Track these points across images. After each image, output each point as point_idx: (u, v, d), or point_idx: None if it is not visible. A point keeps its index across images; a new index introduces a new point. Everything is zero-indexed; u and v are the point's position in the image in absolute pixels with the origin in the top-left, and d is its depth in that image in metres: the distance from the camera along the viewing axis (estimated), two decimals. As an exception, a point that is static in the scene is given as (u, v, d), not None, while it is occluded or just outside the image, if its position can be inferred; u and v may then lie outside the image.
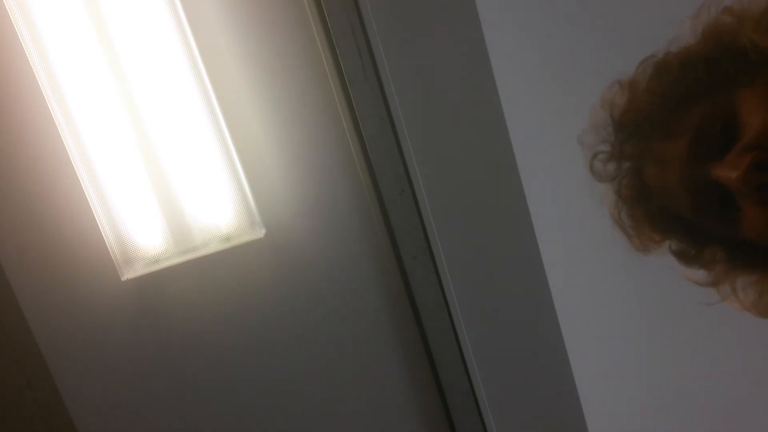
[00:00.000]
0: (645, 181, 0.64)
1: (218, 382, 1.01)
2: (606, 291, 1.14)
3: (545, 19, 0.99)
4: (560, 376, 1.06)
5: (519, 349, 1.05)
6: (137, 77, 0.87)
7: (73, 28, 0.85)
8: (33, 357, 0.96)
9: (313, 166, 0.97)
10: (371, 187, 0.97)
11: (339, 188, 0.98)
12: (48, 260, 0.95)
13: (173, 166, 0.90)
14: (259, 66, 0.94)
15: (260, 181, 0.96)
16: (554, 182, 0.97)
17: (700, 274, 0.67)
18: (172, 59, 0.87)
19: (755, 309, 0.63)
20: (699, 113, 0.57)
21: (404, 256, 0.99)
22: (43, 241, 0.94)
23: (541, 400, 1.07)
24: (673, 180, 0.60)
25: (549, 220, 1.02)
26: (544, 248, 1.02)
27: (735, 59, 0.57)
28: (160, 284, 0.97)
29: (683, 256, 0.67)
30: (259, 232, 0.93)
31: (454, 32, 0.95)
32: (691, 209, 0.61)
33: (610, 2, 0.96)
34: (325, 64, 0.94)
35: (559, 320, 1.05)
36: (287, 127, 0.96)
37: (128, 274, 0.91)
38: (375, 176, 0.96)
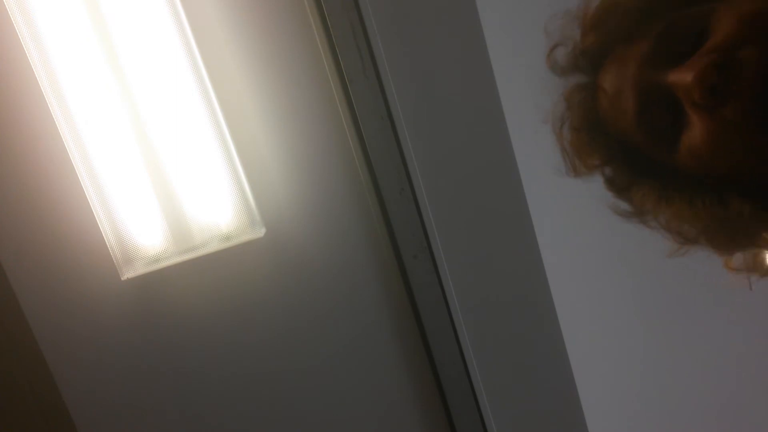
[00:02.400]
0: (596, 92, 0.61)
1: (218, 381, 1.01)
2: (605, 289, 1.14)
3: (545, 18, 0.99)
4: (560, 375, 1.06)
5: (519, 348, 1.05)
6: (137, 77, 0.87)
7: (73, 27, 0.85)
8: (33, 356, 0.96)
9: (313, 165, 0.97)
10: (371, 186, 0.97)
11: (339, 187, 0.98)
12: (48, 259, 0.95)
13: (173, 165, 0.90)
14: (259, 65, 0.94)
15: (260, 180, 0.96)
16: (554, 181, 0.97)
17: (622, 204, 0.64)
18: (172, 59, 0.87)
19: (676, 239, 0.61)
20: (668, 19, 0.54)
21: (404, 255, 0.99)
22: (43, 240, 0.94)
23: (541, 399, 1.07)
24: (625, 85, 0.57)
25: (549, 218, 1.03)
26: (544, 247, 1.02)
27: None
28: (160, 283, 0.97)
29: (612, 185, 0.64)
30: (259, 232, 0.93)
31: (454, 31, 0.95)
32: (634, 118, 0.57)
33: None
34: (325, 63, 0.94)
35: (559, 319, 1.05)
36: (287, 127, 0.96)
37: (128, 274, 0.91)
38: (375, 175, 0.96)
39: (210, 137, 0.89)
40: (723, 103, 0.50)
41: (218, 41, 0.93)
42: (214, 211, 0.91)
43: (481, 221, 1.01)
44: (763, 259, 0.60)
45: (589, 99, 0.62)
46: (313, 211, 0.98)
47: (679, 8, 0.55)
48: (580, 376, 1.07)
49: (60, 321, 0.97)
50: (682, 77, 0.51)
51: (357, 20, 0.92)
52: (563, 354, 1.06)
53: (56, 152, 0.92)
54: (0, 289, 0.95)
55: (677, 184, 0.58)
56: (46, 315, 0.96)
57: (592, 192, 0.71)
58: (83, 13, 0.85)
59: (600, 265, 1.12)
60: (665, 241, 0.64)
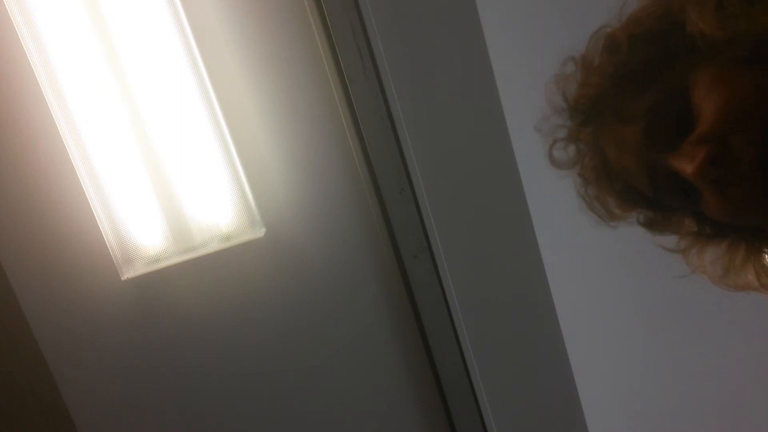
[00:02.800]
0: (606, 161, 0.61)
1: (218, 381, 1.01)
2: (605, 289, 1.14)
3: (545, 18, 0.99)
4: (560, 375, 1.06)
5: (519, 348, 1.05)
6: (138, 77, 0.87)
7: (74, 28, 0.85)
8: (33, 356, 0.96)
9: (313, 165, 0.97)
10: (371, 186, 0.97)
11: (339, 187, 0.98)
12: (48, 259, 0.95)
13: (173, 165, 0.90)
14: (259, 65, 0.94)
15: (260, 180, 0.96)
16: (554, 181, 0.97)
17: (670, 240, 0.65)
18: (172, 59, 0.87)
19: (722, 283, 0.62)
20: (652, 97, 0.54)
21: (404, 255, 0.99)
22: (43, 240, 0.94)
23: (542, 399, 1.07)
24: (631, 164, 0.58)
25: (549, 218, 1.02)
26: (544, 247, 1.02)
27: (685, 38, 0.53)
28: (160, 283, 0.97)
29: (652, 225, 0.65)
30: (259, 232, 0.93)
31: (453, 31, 0.95)
32: (652, 191, 0.59)
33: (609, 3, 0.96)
34: (325, 63, 0.94)
35: (559, 319, 1.05)
36: (287, 127, 0.96)
37: (128, 274, 0.91)
38: (375, 175, 0.96)
39: (210, 137, 0.89)
40: (727, 185, 0.51)
41: (218, 41, 0.93)
42: (214, 211, 0.91)
43: (481, 221, 1.01)
44: None
45: (602, 169, 0.63)
46: (313, 211, 0.98)
47: (653, 84, 0.55)
48: (580, 376, 1.07)
49: (60, 321, 0.96)
50: (683, 168, 0.52)
51: (357, 20, 0.92)
52: (563, 354, 1.06)
53: (56, 152, 0.92)
54: (0, 289, 0.95)
55: (715, 228, 0.60)
56: (46, 315, 0.96)
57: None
58: (83, 13, 0.85)
59: (600, 265, 1.12)
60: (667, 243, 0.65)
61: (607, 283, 1.15)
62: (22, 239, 0.95)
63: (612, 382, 1.15)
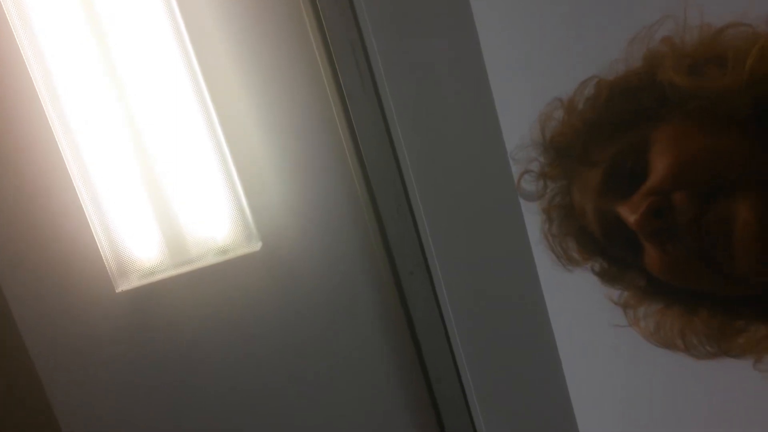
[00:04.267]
0: (571, 201, 0.64)
1: (213, 395, 1.00)
2: (603, 302, 1.14)
3: (545, 36, 1.00)
4: (556, 393, 1.06)
5: (515, 365, 1.05)
6: (136, 89, 0.87)
7: (72, 38, 0.85)
8: (25, 369, 0.96)
9: (310, 180, 0.97)
10: (369, 202, 0.97)
11: (336, 203, 0.98)
12: (43, 271, 0.94)
13: (170, 178, 0.89)
14: (258, 80, 0.95)
15: (257, 194, 0.96)
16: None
17: (615, 294, 0.68)
18: (170, 71, 0.87)
19: (652, 338, 0.64)
20: (616, 147, 0.58)
21: (401, 271, 0.99)
22: (38, 251, 0.94)
23: (537, 415, 1.07)
24: (589, 207, 0.61)
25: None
26: (541, 264, 1.02)
27: (656, 94, 0.57)
28: (156, 296, 0.96)
29: (605, 276, 0.68)
30: (256, 246, 0.93)
31: (452, 49, 0.96)
32: (603, 237, 0.61)
33: (607, 5, 0.97)
34: (325, 79, 0.95)
35: (555, 334, 1.05)
36: (285, 141, 0.96)
37: (123, 286, 0.90)
38: (372, 191, 0.96)
39: (208, 150, 0.89)
40: (666, 240, 0.54)
41: (218, 55, 0.93)
42: (210, 225, 0.91)
43: (478, 237, 1.01)
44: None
45: (566, 209, 0.66)
46: (310, 226, 0.98)
47: (620, 135, 0.58)
48: (574, 391, 1.07)
49: (53, 333, 0.96)
50: (627, 217, 0.55)
51: (356, 37, 0.93)
52: (558, 367, 1.05)
53: (53, 163, 0.91)
54: (-7, 299, 0.94)
55: (658, 286, 0.62)
56: (39, 326, 0.96)
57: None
58: (82, 25, 0.85)
59: (596, 280, 1.13)
60: None
61: (604, 296, 1.15)
62: (17, 250, 0.94)
63: (608, 397, 1.15)
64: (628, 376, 1.16)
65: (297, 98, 0.95)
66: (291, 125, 0.96)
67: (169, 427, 1.00)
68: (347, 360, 1.02)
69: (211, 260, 0.92)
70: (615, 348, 1.12)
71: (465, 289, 1.01)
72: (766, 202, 0.48)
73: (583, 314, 1.13)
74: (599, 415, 1.12)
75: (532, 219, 0.99)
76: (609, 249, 0.63)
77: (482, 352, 1.03)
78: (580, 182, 0.62)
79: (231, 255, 0.92)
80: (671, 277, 0.57)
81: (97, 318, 0.96)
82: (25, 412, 0.96)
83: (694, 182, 0.51)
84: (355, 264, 1.00)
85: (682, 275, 0.56)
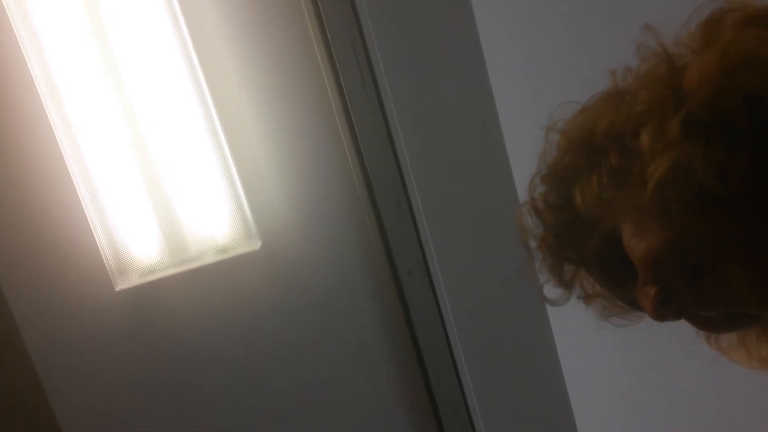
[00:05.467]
0: (599, 292, 0.63)
1: (212, 394, 1.00)
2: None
3: (545, 36, 1.00)
4: (554, 393, 1.06)
5: (514, 366, 1.05)
6: (136, 86, 0.87)
7: (73, 37, 0.85)
8: (24, 367, 0.95)
9: (310, 179, 0.97)
10: (368, 201, 0.97)
11: (336, 202, 0.98)
12: (42, 269, 0.94)
13: (170, 176, 0.90)
14: (258, 78, 0.94)
15: (257, 193, 0.95)
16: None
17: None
18: (171, 70, 0.87)
19: (747, 363, 0.63)
20: (594, 243, 0.56)
21: (400, 270, 0.99)
22: (37, 249, 0.94)
23: (535, 416, 1.07)
24: (613, 296, 0.61)
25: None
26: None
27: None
28: (155, 295, 0.96)
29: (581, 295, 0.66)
30: (255, 244, 0.93)
31: (453, 48, 0.96)
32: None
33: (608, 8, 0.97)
34: (325, 78, 0.95)
35: (554, 333, 1.05)
36: (286, 140, 0.96)
37: (122, 285, 0.90)
38: (372, 190, 0.96)
39: (208, 149, 0.89)
40: (687, 317, 0.54)
41: (218, 54, 0.93)
42: (210, 223, 0.91)
43: (478, 237, 1.01)
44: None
45: (599, 299, 0.64)
46: (310, 225, 0.98)
47: (592, 229, 0.56)
48: (573, 391, 1.07)
49: (52, 331, 0.96)
50: (645, 306, 0.54)
51: (357, 36, 0.93)
52: (558, 369, 1.05)
53: (53, 161, 0.91)
54: (-8, 297, 0.94)
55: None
56: (39, 324, 0.95)
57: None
58: (84, 25, 0.85)
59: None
60: None
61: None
62: (17, 248, 0.94)
63: (611, 406, 1.15)
64: (626, 376, 1.16)
65: (297, 97, 0.95)
66: (291, 124, 0.96)
67: (169, 425, 1.00)
68: (346, 359, 1.02)
69: (210, 259, 0.92)
70: (613, 349, 1.12)
71: (464, 289, 1.01)
72: (748, 264, 0.48)
73: (582, 314, 1.12)
74: (598, 416, 1.12)
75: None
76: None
77: (481, 352, 1.03)
78: (589, 279, 0.61)
79: (230, 254, 0.92)
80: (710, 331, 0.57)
81: (96, 316, 0.96)
82: (24, 410, 0.96)
83: (673, 270, 0.51)
84: (355, 263, 1.00)
85: (717, 331, 0.56)
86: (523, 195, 0.99)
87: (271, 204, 0.97)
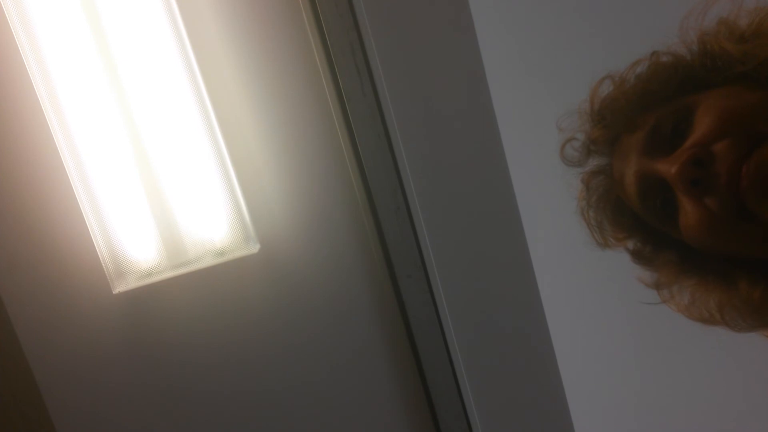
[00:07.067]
0: (611, 174, 0.66)
1: (209, 397, 1.00)
2: (598, 305, 1.14)
3: (544, 37, 1.00)
4: (553, 396, 1.06)
5: (512, 371, 1.05)
6: (135, 90, 0.87)
7: (71, 40, 0.85)
8: (21, 370, 0.95)
9: (309, 182, 0.97)
10: (367, 204, 0.97)
11: (335, 205, 0.98)
12: (39, 272, 0.94)
13: (168, 179, 0.89)
14: (257, 82, 0.95)
15: (255, 196, 0.95)
16: (550, 201, 0.97)
17: (647, 275, 0.68)
18: (169, 73, 0.87)
19: (687, 312, 0.65)
20: (662, 110, 0.60)
21: (399, 274, 0.98)
22: (34, 252, 0.94)
23: (533, 418, 1.07)
24: (627, 171, 0.62)
25: (544, 240, 1.03)
26: (539, 269, 1.02)
27: (706, 64, 0.60)
28: (152, 298, 0.96)
29: (638, 256, 0.69)
30: (254, 248, 0.92)
31: (451, 51, 0.96)
32: (638, 204, 0.62)
33: (608, 11, 0.98)
34: (324, 81, 0.95)
35: (552, 339, 1.05)
36: (284, 143, 0.96)
37: (120, 287, 0.90)
38: (371, 193, 0.96)
39: (207, 152, 0.89)
40: (705, 193, 0.55)
41: (217, 57, 0.93)
42: (208, 226, 0.91)
43: (475, 241, 1.01)
44: None
45: (605, 181, 0.68)
46: (308, 228, 0.98)
47: (669, 102, 0.61)
48: (571, 394, 1.07)
49: (49, 334, 0.95)
50: (667, 169, 0.56)
51: (356, 39, 0.93)
52: (556, 374, 1.05)
53: (51, 164, 0.91)
54: (-11, 300, 0.94)
55: (693, 259, 0.63)
56: (36, 327, 0.95)
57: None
58: (82, 27, 0.85)
59: (593, 281, 1.13)
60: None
61: (600, 297, 1.15)
62: (14, 250, 0.94)
63: (608, 406, 1.15)
64: (624, 378, 1.16)
65: (296, 100, 0.95)
66: (290, 127, 0.96)
67: (165, 428, 1.00)
68: (344, 362, 1.02)
69: (208, 262, 0.91)
70: (612, 351, 1.12)
71: (462, 293, 1.01)
72: None
73: (581, 316, 1.13)
74: (596, 418, 1.12)
75: (532, 220, 0.99)
76: (644, 218, 0.64)
77: (479, 355, 1.03)
78: (622, 148, 0.63)
79: (229, 257, 0.92)
80: (707, 237, 0.57)
81: (93, 319, 0.96)
82: (20, 413, 0.95)
83: (736, 132, 0.53)
84: (353, 267, 1.00)
85: (718, 234, 0.56)
86: (522, 197, 0.99)
87: (270, 207, 0.97)
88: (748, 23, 0.59)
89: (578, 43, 0.99)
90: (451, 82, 0.96)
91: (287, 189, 0.97)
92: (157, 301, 0.97)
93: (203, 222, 0.91)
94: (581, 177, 0.70)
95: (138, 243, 0.90)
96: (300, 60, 0.94)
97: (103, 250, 0.89)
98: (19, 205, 0.93)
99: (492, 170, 0.99)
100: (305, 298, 0.99)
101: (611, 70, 0.68)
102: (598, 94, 0.67)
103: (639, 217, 0.65)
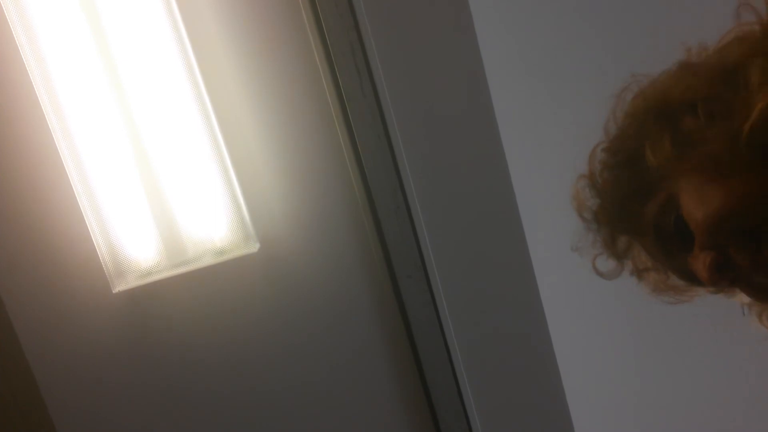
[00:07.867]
0: (651, 264, 0.64)
1: (209, 397, 1.00)
2: (598, 305, 1.14)
3: (544, 37, 1.00)
4: (553, 396, 1.06)
5: (512, 370, 1.05)
6: (135, 89, 0.87)
7: (71, 39, 0.85)
8: (21, 370, 0.95)
9: (309, 181, 0.97)
10: (367, 204, 0.97)
11: (335, 205, 0.98)
12: (39, 271, 0.94)
13: (168, 178, 0.90)
14: (257, 82, 0.95)
15: (255, 195, 0.95)
16: (550, 202, 0.97)
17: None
18: (169, 72, 0.87)
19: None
20: (651, 210, 0.58)
21: (398, 274, 0.98)
22: (34, 251, 0.94)
23: (533, 419, 1.06)
24: (666, 266, 0.61)
25: (544, 240, 1.03)
26: (539, 269, 1.02)
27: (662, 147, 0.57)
28: (152, 297, 0.96)
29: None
30: (253, 247, 0.92)
31: (452, 52, 0.96)
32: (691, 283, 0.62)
33: (611, 15, 0.98)
34: (324, 81, 0.95)
35: (552, 339, 1.05)
36: (284, 143, 0.96)
37: (120, 287, 0.90)
38: (371, 193, 0.96)
39: (206, 151, 0.89)
40: (743, 284, 0.54)
41: (217, 57, 0.93)
42: (208, 225, 0.91)
43: (476, 241, 1.01)
44: None
45: (651, 271, 0.65)
46: (308, 228, 0.98)
47: (646, 192, 0.58)
48: (571, 395, 1.07)
49: (49, 333, 0.95)
50: (700, 273, 0.55)
51: (356, 39, 0.93)
52: (557, 376, 1.05)
53: (51, 163, 0.91)
54: (-11, 299, 0.94)
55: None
56: (36, 327, 0.95)
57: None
58: (81, 27, 0.85)
59: (593, 283, 1.13)
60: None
61: (599, 299, 1.15)
62: (14, 250, 0.94)
63: (609, 411, 1.15)
64: (624, 378, 1.16)
65: (296, 100, 0.95)
66: (290, 127, 0.96)
67: (165, 428, 1.00)
68: (344, 362, 1.02)
69: (208, 261, 0.91)
70: (612, 351, 1.12)
71: (463, 293, 1.01)
72: None
73: (581, 317, 1.13)
74: (596, 418, 1.12)
75: (531, 220, 0.99)
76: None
77: (479, 355, 1.03)
78: (643, 252, 0.62)
79: (228, 256, 0.92)
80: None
81: (93, 318, 0.96)
82: (20, 413, 0.95)
83: (736, 232, 0.51)
84: (353, 266, 1.00)
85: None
86: (521, 197, 0.99)
87: (270, 206, 0.97)
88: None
89: (578, 43, 0.99)
90: (451, 82, 0.96)
91: (287, 189, 0.97)
92: (156, 301, 0.97)
93: (203, 221, 0.91)
94: (631, 271, 0.67)
95: (137, 242, 0.90)
96: (300, 60, 0.94)
97: (102, 250, 0.89)
98: (19, 205, 0.93)
99: (492, 170, 0.99)
100: (305, 298, 0.99)
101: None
102: (581, 200, 0.66)
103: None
